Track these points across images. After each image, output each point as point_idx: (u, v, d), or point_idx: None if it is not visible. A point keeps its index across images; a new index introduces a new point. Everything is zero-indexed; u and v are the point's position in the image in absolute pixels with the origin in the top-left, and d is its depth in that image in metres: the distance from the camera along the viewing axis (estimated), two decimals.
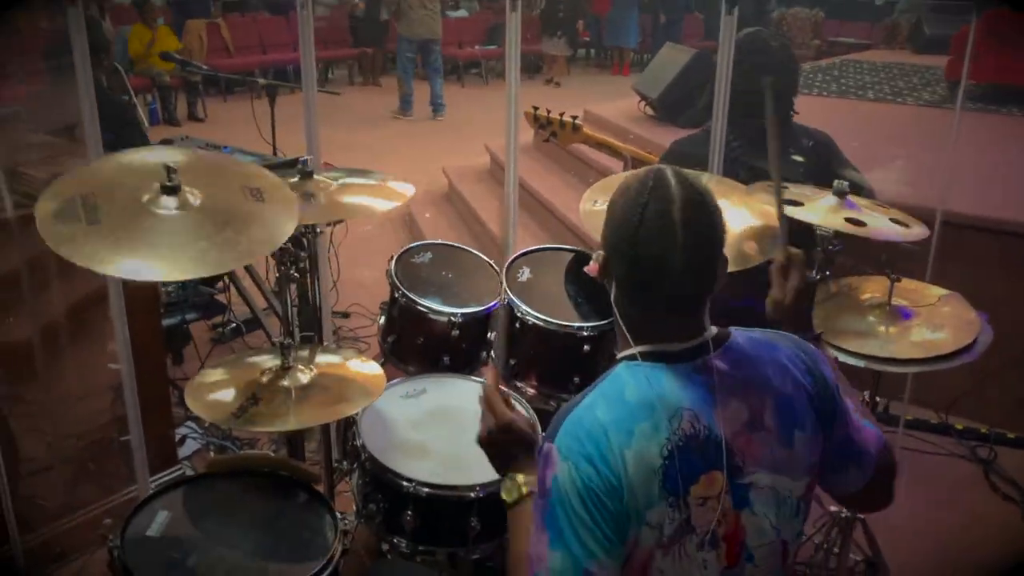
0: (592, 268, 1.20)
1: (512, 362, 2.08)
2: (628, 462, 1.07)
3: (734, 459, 1.13)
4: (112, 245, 1.43)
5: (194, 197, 1.55)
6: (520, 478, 1.25)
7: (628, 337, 1.17)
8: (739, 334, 1.21)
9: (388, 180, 2.04)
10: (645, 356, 1.15)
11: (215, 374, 1.81)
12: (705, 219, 1.13)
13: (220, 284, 3.57)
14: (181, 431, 2.93)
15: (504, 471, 1.28)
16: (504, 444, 1.29)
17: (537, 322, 1.98)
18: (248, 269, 3.63)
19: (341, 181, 1.98)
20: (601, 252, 1.18)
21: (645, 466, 1.08)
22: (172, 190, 1.51)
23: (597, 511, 1.06)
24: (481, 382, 1.98)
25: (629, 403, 1.11)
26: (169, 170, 1.51)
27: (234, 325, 3.65)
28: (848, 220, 1.87)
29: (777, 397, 1.17)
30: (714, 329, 1.18)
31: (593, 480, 1.06)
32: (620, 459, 1.07)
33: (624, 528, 1.08)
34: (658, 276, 1.11)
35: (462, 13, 13.50)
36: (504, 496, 1.26)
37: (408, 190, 2.03)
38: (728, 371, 1.15)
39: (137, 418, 2.21)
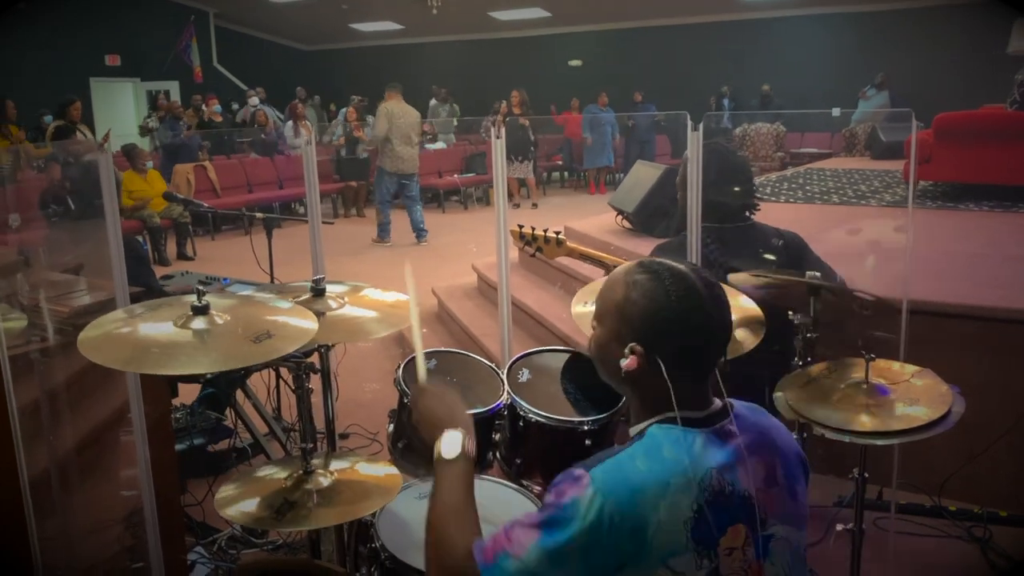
0: (631, 363, 1.29)
1: (518, 461, 2.17)
2: (661, 511, 1.18)
3: (759, 513, 1.25)
4: (162, 353, 1.55)
5: (221, 319, 1.69)
6: (461, 434, 1.36)
7: (675, 407, 1.26)
8: (738, 404, 1.37)
9: (393, 295, 2.18)
10: (672, 420, 1.28)
11: (232, 488, 1.90)
12: (711, 279, 1.31)
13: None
14: (190, 557, 2.95)
15: (436, 434, 1.37)
16: (427, 408, 1.42)
17: (540, 419, 2.09)
18: (247, 395, 3.73)
19: (349, 299, 2.13)
20: (635, 346, 1.29)
21: (676, 516, 1.19)
22: (202, 310, 1.64)
23: (608, 544, 1.16)
24: (492, 480, 2.07)
25: (666, 459, 1.23)
26: (199, 292, 1.65)
27: (235, 453, 3.70)
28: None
29: (782, 456, 1.32)
30: (719, 401, 1.33)
31: (614, 520, 1.16)
32: (653, 507, 1.18)
33: (622, 566, 1.17)
34: (706, 334, 1.28)
35: (440, 145, 14.09)
36: (445, 453, 1.34)
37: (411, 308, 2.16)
38: (742, 435, 1.29)
39: (157, 543, 2.26)
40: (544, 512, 1.20)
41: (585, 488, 1.18)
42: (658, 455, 1.23)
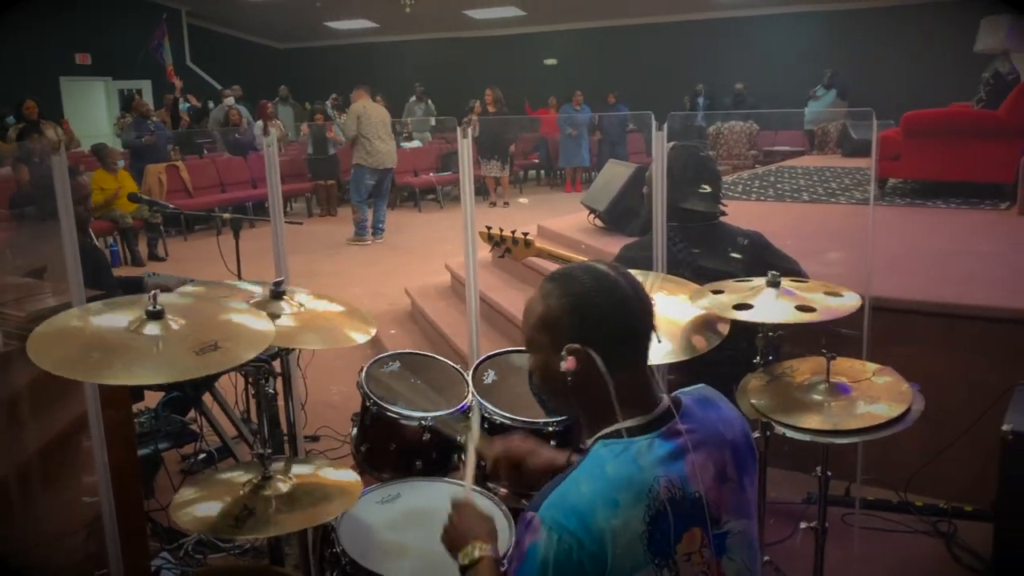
0: (570, 363, 1.27)
1: (483, 464, 2.16)
2: (615, 531, 1.17)
3: (712, 511, 1.25)
4: (102, 359, 1.52)
5: (176, 324, 1.66)
6: (478, 544, 1.34)
7: (616, 406, 1.26)
8: (685, 398, 1.35)
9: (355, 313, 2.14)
10: (617, 433, 1.27)
11: (190, 493, 1.88)
12: (621, 267, 1.33)
13: (190, 414, 3.61)
14: (156, 563, 2.92)
15: (461, 544, 1.37)
16: (462, 522, 1.42)
17: (505, 421, 2.08)
18: (216, 397, 3.69)
19: (310, 305, 2.10)
20: (570, 346, 1.27)
21: (630, 533, 1.18)
22: (156, 315, 1.62)
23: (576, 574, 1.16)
24: (457, 483, 2.06)
25: (609, 476, 1.21)
26: (154, 297, 1.62)
27: (204, 455, 3.66)
28: (800, 307, 2.05)
29: (732, 448, 1.31)
30: (667, 399, 1.32)
31: (575, 551, 1.15)
32: (606, 529, 1.17)
33: None
34: (628, 314, 1.28)
35: (416, 143, 14.03)
36: (461, 559, 1.35)
37: (371, 326, 2.12)
38: (690, 432, 1.28)
39: (117, 549, 2.22)
40: (513, 567, 1.21)
41: (539, 530, 1.18)
42: (601, 474, 1.22)
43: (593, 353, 1.26)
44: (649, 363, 1.34)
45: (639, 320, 1.29)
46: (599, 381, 1.26)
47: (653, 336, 1.32)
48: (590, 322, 1.27)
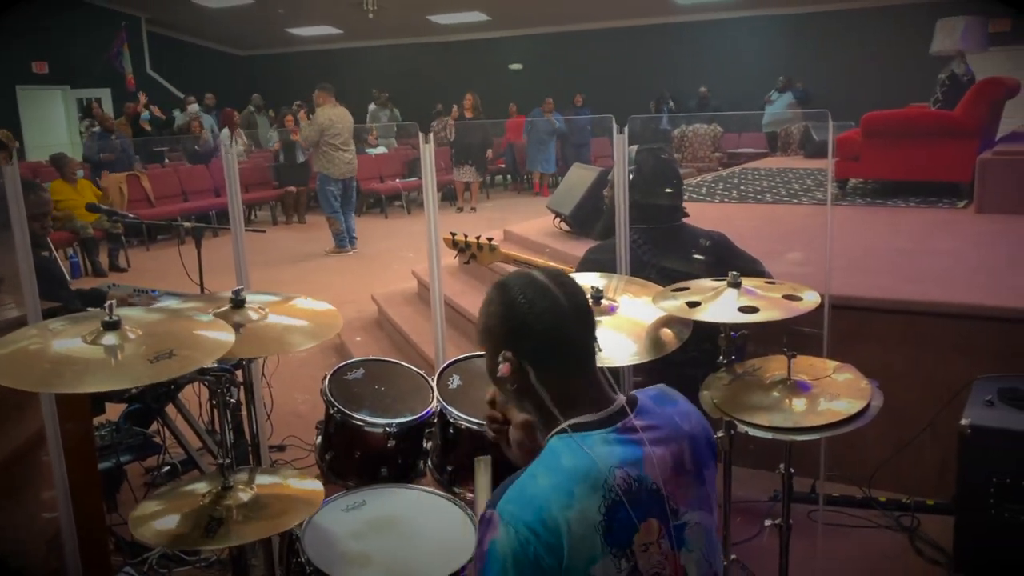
0: (504, 369, 1.32)
1: (449, 468, 2.16)
2: (570, 522, 1.18)
3: (670, 503, 1.26)
4: (52, 369, 1.50)
5: (134, 333, 1.63)
6: None
7: (556, 413, 1.30)
8: (642, 395, 1.37)
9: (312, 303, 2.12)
10: (572, 428, 1.28)
11: (151, 506, 1.85)
12: (562, 276, 1.36)
13: (154, 426, 3.56)
14: None
15: None
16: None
17: (470, 426, 2.08)
18: (179, 408, 3.64)
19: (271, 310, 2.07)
20: (504, 353, 1.32)
21: (586, 523, 1.19)
22: (113, 326, 1.59)
23: (535, 567, 1.16)
24: (423, 489, 2.05)
25: (566, 468, 1.23)
26: (110, 307, 1.60)
27: (168, 467, 3.61)
28: (742, 309, 2.07)
29: (689, 440, 1.33)
30: (622, 397, 1.33)
31: (531, 543, 1.16)
32: (562, 520, 1.18)
33: None
34: (557, 325, 1.30)
35: (381, 149, 13.98)
36: None
37: (335, 316, 2.11)
38: (646, 426, 1.30)
39: (77, 565, 2.19)
40: (477, 568, 1.22)
41: (498, 526, 1.19)
42: (557, 466, 1.24)
43: (524, 362, 1.30)
44: (603, 366, 1.37)
45: (572, 331, 1.32)
46: (543, 388, 1.30)
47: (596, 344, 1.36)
48: (520, 332, 1.31)
